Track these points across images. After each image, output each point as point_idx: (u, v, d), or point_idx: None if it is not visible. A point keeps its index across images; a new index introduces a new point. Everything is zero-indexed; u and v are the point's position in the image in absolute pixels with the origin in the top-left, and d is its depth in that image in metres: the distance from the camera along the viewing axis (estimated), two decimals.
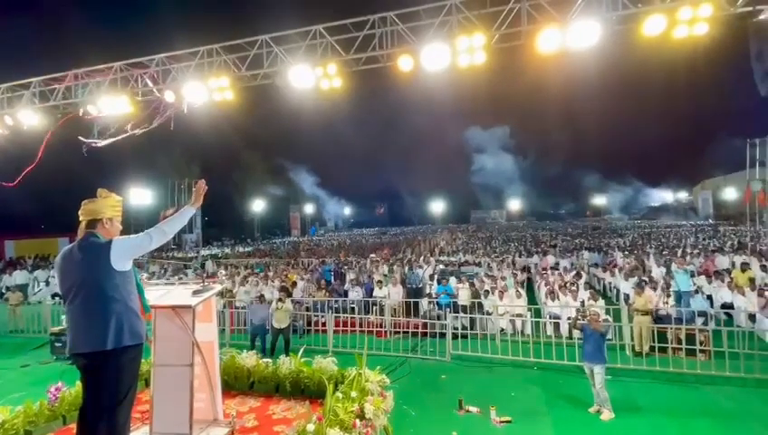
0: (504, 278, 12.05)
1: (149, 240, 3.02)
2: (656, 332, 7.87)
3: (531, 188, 61.34)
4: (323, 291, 11.72)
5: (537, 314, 9.22)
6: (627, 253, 16.60)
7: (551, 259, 16.19)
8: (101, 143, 10.07)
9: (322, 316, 9.99)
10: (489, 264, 15.40)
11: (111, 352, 2.86)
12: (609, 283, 13.21)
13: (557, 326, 8.78)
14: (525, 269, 15.54)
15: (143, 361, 3.30)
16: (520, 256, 18.14)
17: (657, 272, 11.93)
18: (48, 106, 11.11)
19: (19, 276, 16.31)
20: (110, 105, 10.11)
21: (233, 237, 38.93)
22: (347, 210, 72.03)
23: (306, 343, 8.25)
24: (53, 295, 14.63)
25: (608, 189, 62.34)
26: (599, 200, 63.14)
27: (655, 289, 9.34)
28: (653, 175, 58.77)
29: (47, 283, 16.11)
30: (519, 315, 9.50)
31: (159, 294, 3.91)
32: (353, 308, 10.86)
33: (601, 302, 9.48)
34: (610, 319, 8.37)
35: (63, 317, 9.31)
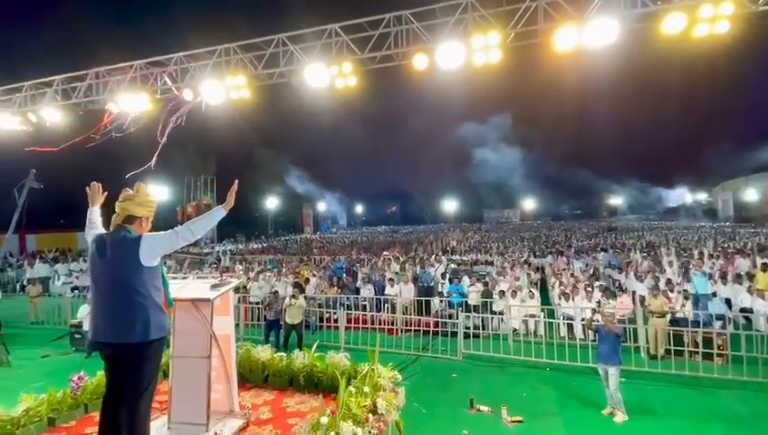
0: (517, 278, 11.99)
1: (177, 238, 3.08)
2: (671, 334, 7.76)
3: (545, 188, 60.65)
4: (335, 288, 11.82)
5: (550, 314, 9.17)
6: (644, 254, 16.35)
7: (565, 260, 16.03)
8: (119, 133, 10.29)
9: (334, 313, 10.10)
10: (502, 263, 15.31)
11: (137, 345, 2.95)
12: (625, 284, 13.04)
13: (570, 327, 8.72)
14: (539, 269, 15.43)
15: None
16: (534, 256, 17.99)
17: (674, 274, 11.74)
18: (70, 103, 11.40)
19: (40, 269, 16.77)
20: (131, 102, 10.32)
21: (247, 234, 39.34)
22: (359, 208, 72.24)
23: (318, 338, 8.30)
24: (73, 289, 15.04)
25: (624, 190, 61.35)
26: (615, 201, 62.23)
27: (671, 291, 9.21)
28: (671, 175, 57.65)
29: (68, 274, 16.56)
30: (532, 316, 9.45)
31: (178, 287, 4.02)
32: (365, 305, 10.93)
33: (616, 303, 9.39)
34: (625, 321, 8.29)
35: (83, 306, 9.59)
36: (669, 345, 7.71)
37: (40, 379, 6.77)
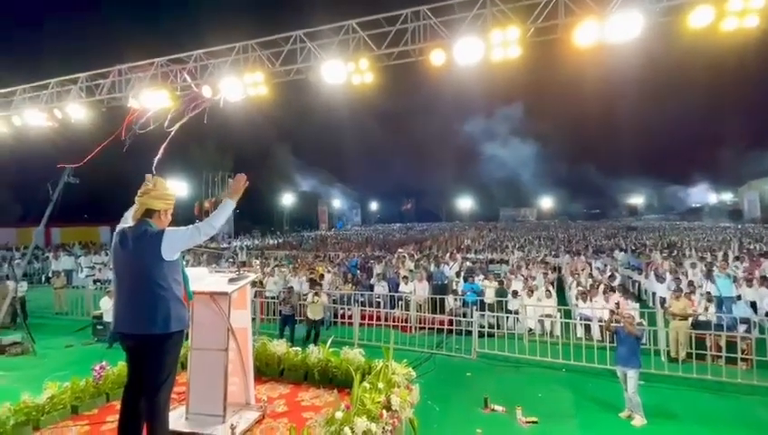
0: (532, 277, 11.85)
1: (198, 233, 3.14)
2: (693, 338, 7.57)
3: (563, 186, 59.66)
4: (350, 284, 11.88)
5: (567, 315, 9.05)
6: (664, 255, 15.99)
7: (583, 259, 15.78)
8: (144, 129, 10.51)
9: (349, 309, 10.14)
10: (517, 262, 15.16)
11: (158, 337, 3.02)
12: (644, 285, 12.79)
13: (588, 328, 8.58)
14: (556, 269, 15.23)
15: None
16: (551, 256, 17.78)
17: (697, 275, 11.45)
18: (94, 100, 11.68)
19: (65, 261, 17.27)
20: (151, 99, 10.52)
21: (263, 229, 39.83)
22: (374, 205, 72.40)
23: (333, 334, 8.38)
24: (95, 281, 15.45)
25: (645, 189, 59.96)
26: (635, 200, 60.87)
27: (693, 293, 8.98)
28: (694, 174, 56.05)
29: (91, 267, 17.01)
30: (548, 316, 9.34)
31: (196, 280, 4.08)
32: (379, 302, 10.96)
33: (636, 304, 9.20)
34: (645, 323, 8.12)
35: (104, 298, 9.82)
36: (691, 349, 7.52)
37: (64, 368, 6.97)
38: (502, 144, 56.69)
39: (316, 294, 9.34)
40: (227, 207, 3.30)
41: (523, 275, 12.08)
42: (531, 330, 9.19)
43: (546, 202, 62.60)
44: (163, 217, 3.26)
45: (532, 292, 10.13)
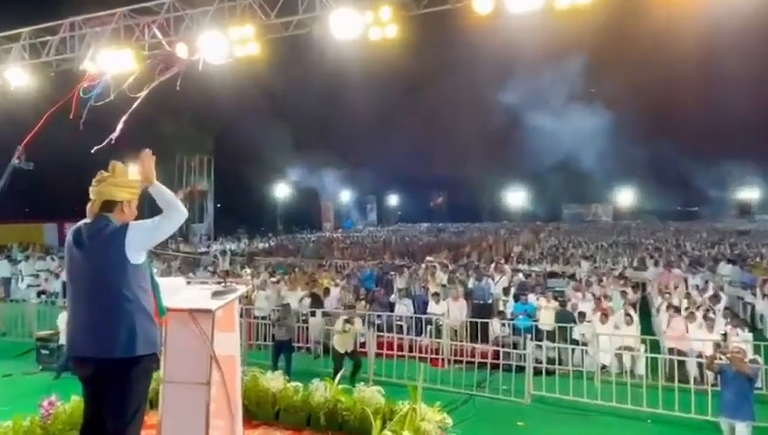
0: (608, 297, 11.73)
1: (169, 222, 3.23)
2: None
3: (649, 176, 58.29)
4: (363, 302, 11.94)
5: (654, 347, 8.94)
6: None
7: (676, 274, 15.51)
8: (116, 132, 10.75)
9: (361, 335, 10.20)
10: (587, 277, 14.99)
11: (122, 362, 3.08)
12: (760, 309, 12.50)
13: (682, 365, 8.46)
14: (639, 286, 15.01)
15: None
16: (632, 268, 17.57)
17: None
18: (39, 63, 12.03)
19: (1, 268, 17.66)
20: (112, 61, 10.77)
21: (250, 230, 40.31)
22: (393, 199, 72.29)
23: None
24: (40, 293, 15.89)
25: (761, 179, 58.18)
26: (747, 193, 59.10)
27: None
28: None
29: (35, 276, 17.46)
30: (628, 348, 9.24)
31: (171, 293, 4.18)
32: (401, 327, 10.97)
33: (748, 335, 9.00)
34: (761, 359, 7.95)
35: (62, 314, 10.11)
36: None
37: (1, 404, 7.21)
38: (564, 119, 55.39)
39: (348, 320, 9.23)
40: (164, 193, 3.30)
41: (593, 294, 11.97)
42: (604, 367, 9.12)
43: (625, 196, 61.18)
44: (126, 210, 3.31)
45: (607, 316, 10.02)
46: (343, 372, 8.10)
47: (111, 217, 3.24)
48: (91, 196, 3.30)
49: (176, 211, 3.25)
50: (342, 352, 9.05)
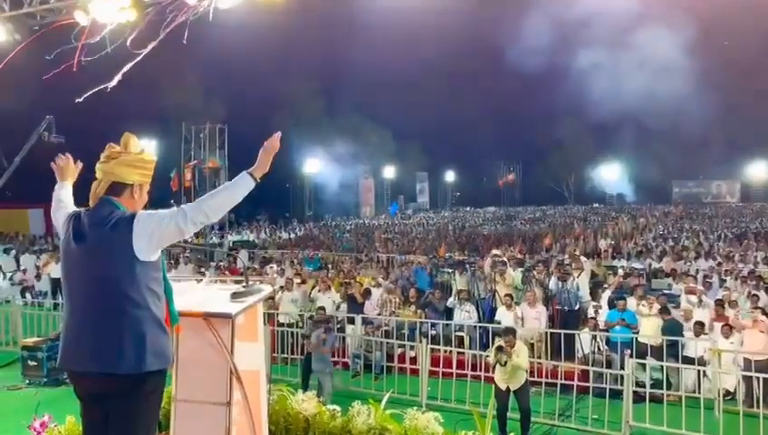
0: (733, 302, 11.43)
1: (185, 220, 3.13)
2: None
3: None
4: (413, 307, 12.00)
5: None
6: None
7: None
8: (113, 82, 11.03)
9: (411, 347, 10.23)
10: (705, 277, 14.61)
11: (128, 379, 3.12)
12: None
13: None
14: None
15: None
16: (766, 265, 17.19)
17: None
18: (21, 14, 12.46)
19: None
20: (106, 9, 11.03)
21: (273, 216, 40.86)
22: (450, 176, 71.74)
23: (388, 387, 8.47)
24: (25, 291, 16.60)
25: None
26: None
27: None
28: None
29: (17, 271, 18.26)
30: (760, 370, 8.96)
31: (181, 293, 4.27)
32: (461, 338, 11.01)
33: None
34: None
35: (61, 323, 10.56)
36: None
37: None
38: (675, 72, 53.31)
39: (500, 349, 7.94)
40: (239, 188, 3.32)
41: (715, 299, 11.69)
42: (728, 393, 8.95)
43: (757, 171, 58.74)
44: (137, 196, 3.34)
45: (732, 328, 9.78)
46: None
47: (119, 202, 3.25)
48: (98, 174, 3.29)
49: (204, 215, 3.21)
50: (504, 388, 8.21)
